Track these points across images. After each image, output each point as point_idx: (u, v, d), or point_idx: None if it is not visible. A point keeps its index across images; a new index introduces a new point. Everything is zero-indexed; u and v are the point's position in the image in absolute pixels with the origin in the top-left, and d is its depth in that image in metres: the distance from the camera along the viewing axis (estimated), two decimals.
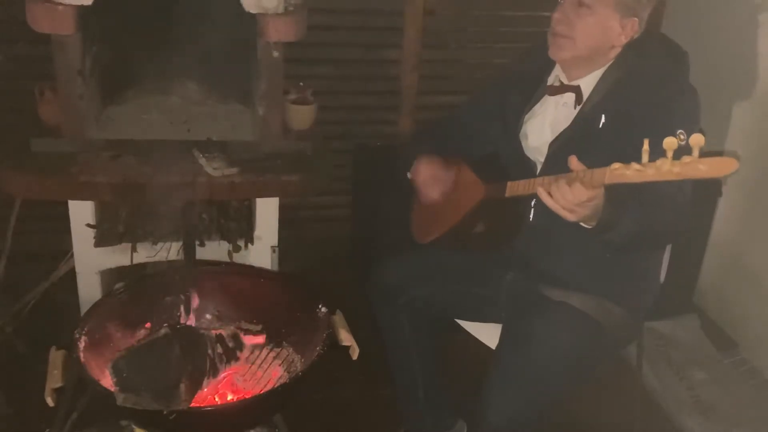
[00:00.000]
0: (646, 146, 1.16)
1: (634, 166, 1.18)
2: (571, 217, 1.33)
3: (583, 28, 1.52)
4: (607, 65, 1.57)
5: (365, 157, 2.62)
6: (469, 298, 1.77)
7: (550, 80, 1.65)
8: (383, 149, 2.61)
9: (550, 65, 1.65)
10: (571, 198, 1.30)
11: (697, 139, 1.12)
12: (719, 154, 2.53)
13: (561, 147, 1.58)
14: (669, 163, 1.14)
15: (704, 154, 1.14)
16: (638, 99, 1.51)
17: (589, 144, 1.53)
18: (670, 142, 1.13)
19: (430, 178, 1.69)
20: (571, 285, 1.61)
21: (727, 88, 2.38)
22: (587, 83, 1.58)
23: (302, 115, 2.17)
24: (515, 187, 1.56)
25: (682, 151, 1.14)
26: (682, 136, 1.43)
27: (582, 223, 1.38)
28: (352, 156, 2.66)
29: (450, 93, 2.70)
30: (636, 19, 1.53)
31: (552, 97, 1.63)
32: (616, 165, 1.21)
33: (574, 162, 1.30)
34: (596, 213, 1.35)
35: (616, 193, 1.32)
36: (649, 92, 1.51)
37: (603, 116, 1.54)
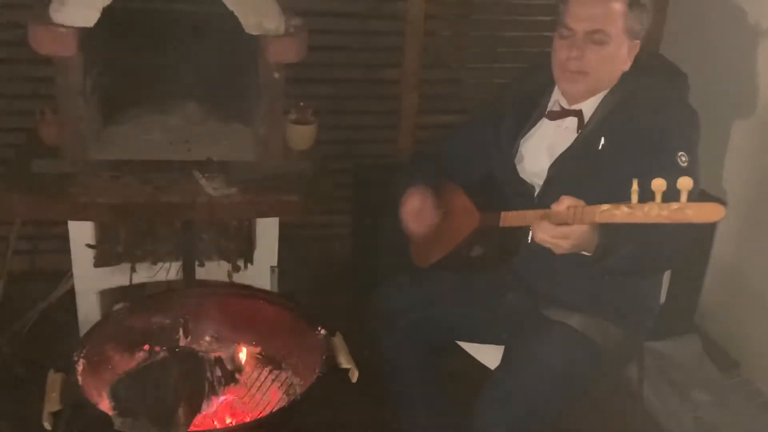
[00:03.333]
0: (635, 186, 1.17)
1: (623, 207, 1.19)
2: (559, 250, 1.33)
3: (600, 62, 1.52)
4: (609, 88, 1.57)
5: (365, 176, 2.62)
6: (469, 319, 1.76)
7: (550, 105, 1.65)
8: (383, 169, 2.61)
9: (546, 87, 1.65)
10: (557, 233, 1.30)
11: (685, 183, 1.12)
12: (719, 173, 2.53)
13: (560, 170, 1.58)
14: (657, 206, 1.15)
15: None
16: (638, 121, 1.51)
17: (589, 167, 1.54)
18: (658, 184, 1.14)
19: (415, 214, 1.69)
20: (570, 305, 1.61)
21: (727, 106, 2.38)
22: (588, 106, 1.58)
23: (303, 135, 2.17)
24: (509, 218, 1.55)
25: (671, 193, 1.14)
26: (683, 158, 1.43)
27: (582, 251, 1.37)
28: (352, 176, 2.67)
29: (450, 113, 2.71)
30: (638, 41, 1.54)
31: (552, 122, 1.63)
32: (606, 206, 1.22)
33: (564, 202, 1.30)
34: (591, 241, 1.34)
35: None
36: (648, 114, 1.51)
37: (602, 138, 1.54)
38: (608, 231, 1.33)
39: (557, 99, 1.63)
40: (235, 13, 1.87)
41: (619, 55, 1.53)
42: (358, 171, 2.66)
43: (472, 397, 1.57)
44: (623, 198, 1.39)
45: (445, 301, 1.77)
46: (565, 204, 1.30)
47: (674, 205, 1.13)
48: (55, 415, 1.41)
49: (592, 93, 1.57)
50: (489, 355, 1.75)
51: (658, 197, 1.15)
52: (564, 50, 1.53)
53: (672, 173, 1.39)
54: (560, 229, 1.31)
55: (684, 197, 1.13)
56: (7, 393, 2.07)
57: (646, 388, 2.06)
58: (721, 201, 2.35)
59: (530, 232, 1.64)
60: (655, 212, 1.15)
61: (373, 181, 2.58)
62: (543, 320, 1.62)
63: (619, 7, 1.50)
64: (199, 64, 2.22)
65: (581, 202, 1.30)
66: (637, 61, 1.57)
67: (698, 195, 1.42)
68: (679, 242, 1.44)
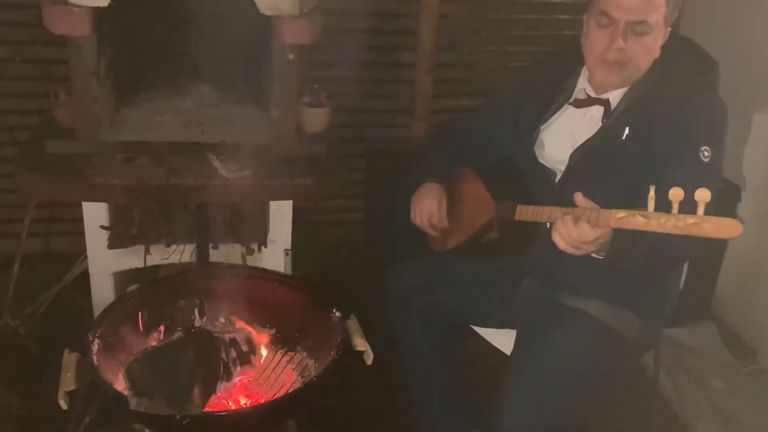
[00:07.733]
0: (652, 193, 1.15)
1: (639, 216, 1.17)
2: (576, 252, 1.31)
3: (640, 52, 1.47)
4: (639, 77, 1.52)
5: (379, 160, 2.61)
6: (484, 304, 1.75)
7: (575, 92, 1.60)
8: (397, 152, 2.61)
9: (571, 72, 1.61)
10: (576, 236, 1.27)
11: (702, 195, 1.10)
12: (739, 160, 2.48)
13: (582, 158, 1.55)
14: (674, 218, 1.13)
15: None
16: (664, 111, 1.47)
17: (612, 157, 1.51)
18: (675, 194, 1.12)
19: (426, 214, 1.69)
20: (587, 293, 1.59)
21: (748, 92, 2.34)
22: (616, 95, 1.54)
23: (316, 118, 2.16)
24: (525, 212, 1.52)
25: (688, 204, 1.12)
26: (706, 153, 1.40)
27: (593, 254, 1.35)
28: (365, 159, 2.65)
29: (464, 96, 2.69)
30: (670, 28, 1.50)
31: (576, 109, 1.59)
32: (622, 213, 1.20)
33: (579, 198, 1.28)
34: (604, 247, 1.32)
35: None
36: (675, 105, 1.47)
37: (627, 128, 1.50)
38: (621, 235, 1.29)
39: (583, 87, 1.59)
40: None
41: (656, 45, 1.49)
42: (371, 154, 2.64)
43: (487, 381, 1.57)
44: (645, 190, 1.37)
45: (460, 284, 1.76)
46: (579, 199, 1.28)
47: (690, 219, 1.12)
48: (71, 394, 1.42)
49: (624, 83, 1.52)
50: (503, 340, 1.75)
51: (675, 207, 1.13)
52: (603, 40, 1.47)
53: (693, 168, 1.39)
54: (583, 233, 1.26)
55: (701, 210, 1.11)
56: (23, 373, 2.09)
57: (661, 375, 2.05)
58: (741, 188, 2.32)
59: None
60: (671, 224, 1.13)
61: (386, 165, 2.57)
62: (561, 308, 1.60)
63: None
64: (213, 45, 2.21)
65: (596, 206, 1.27)
66: (666, 47, 1.51)
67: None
68: (692, 244, 1.37)
